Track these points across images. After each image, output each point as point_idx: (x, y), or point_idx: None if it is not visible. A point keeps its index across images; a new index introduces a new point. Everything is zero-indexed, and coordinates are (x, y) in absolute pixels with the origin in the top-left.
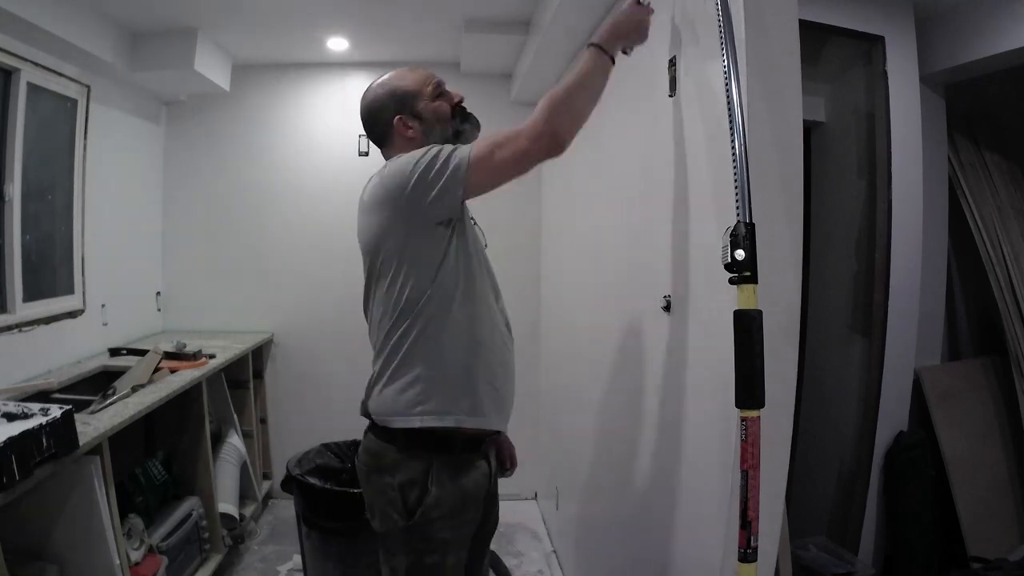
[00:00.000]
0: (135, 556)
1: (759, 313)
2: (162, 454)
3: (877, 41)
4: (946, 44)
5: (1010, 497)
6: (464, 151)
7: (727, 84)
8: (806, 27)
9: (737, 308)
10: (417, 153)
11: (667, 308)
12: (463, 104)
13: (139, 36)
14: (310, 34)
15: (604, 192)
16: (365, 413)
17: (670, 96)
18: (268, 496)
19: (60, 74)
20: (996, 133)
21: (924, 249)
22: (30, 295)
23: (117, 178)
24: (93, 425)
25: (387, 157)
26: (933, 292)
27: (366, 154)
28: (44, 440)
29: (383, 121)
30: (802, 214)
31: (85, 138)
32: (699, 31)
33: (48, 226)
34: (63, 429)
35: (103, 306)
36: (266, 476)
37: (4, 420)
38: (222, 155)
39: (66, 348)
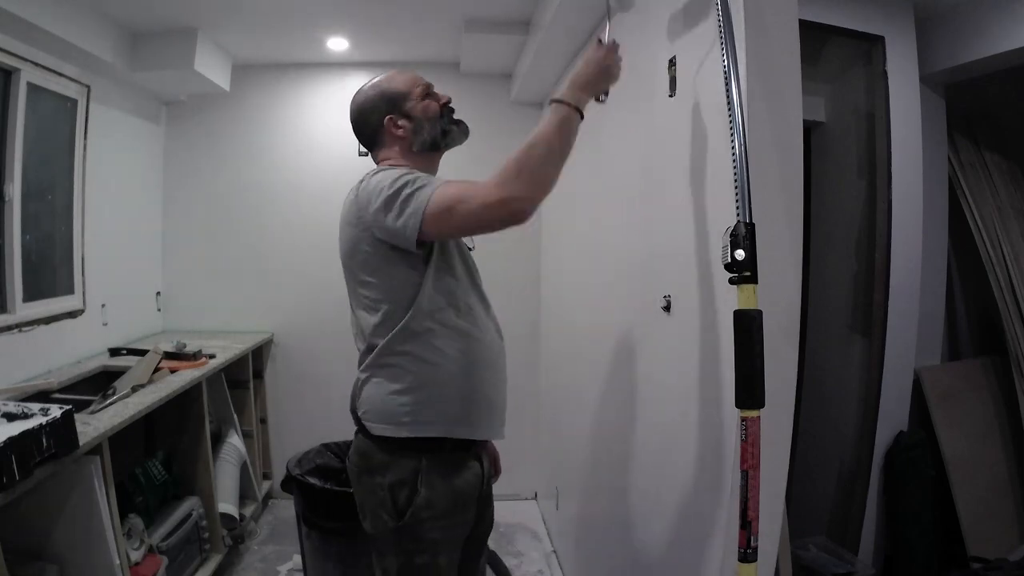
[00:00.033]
0: (135, 556)
1: (759, 313)
2: (162, 454)
3: (877, 41)
4: (946, 44)
5: (1010, 497)
6: (423, 197)
7: (727, 84)
8: (806, 27)
9: (737, 308)
10: (389, 176)
11: (667, 308)
12: (451, 105)
13: (139, 36)
14: (310, 34)
15: (604, 192)
16: (354, 413)
17: (670, 96)
18: (268, 496)
19: (60, 74)
20: (996, 133)
21: (924, 249)
22: (30, 295)
23: (117, 178)
24: (93, 425)
25: (376, 159)
26: (933, 292)
27: (366, 154)
28: (44, 440)
29: (374, 121)
30: (802, 214)
31: (85, 138)
32: (699, 31)
33: (48, 226)
34: (63, 429)
35: (103, 306)
36: (266, 476)
37: (4, 420)
38: (222, 155)
39: (66, 348)
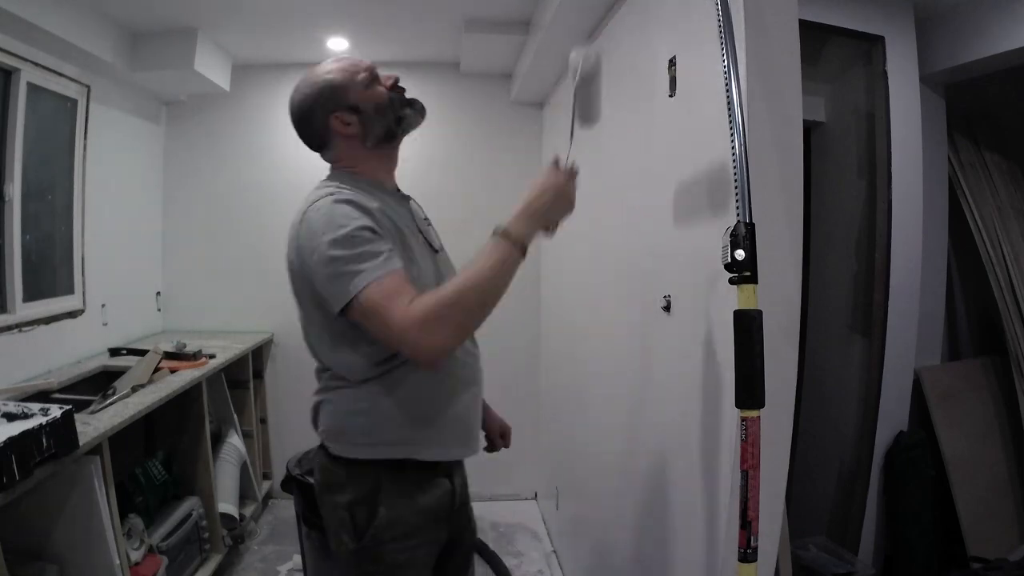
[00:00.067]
0: (135, 556)
1: (759, 313)
2: (162, 454)
3: (877, 41)
4: (946, 44)
5: (1010, 497)
6: (358, 283)
7: (727, 84)
8: (806, 27)
9: (737, 308)
10: (331, 229)
11: (667, 308)
12: (400, 84)
13: (139, 36)
14: (310, 34)
15: (604, 192)
16: (315, 425)
17: (670, 96)
18: (268, 496)
19: (60, 74)
20: (996, 133)
21: (924, 249)
22: (30, 295)
23: (117, 178)
24: (93, 425)
25: (328, 160)
26: (933, 292)
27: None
28: (44, 440)
29: (317, 122)
30: (802, 214)
31: (85, 138)
32: (699, 31)
33: (48, 226)
34: (63, 429)
35: (103, 306)
36: (266, 476)
37: (4, 420)
38: (222, 155)
39: (66, 348)
